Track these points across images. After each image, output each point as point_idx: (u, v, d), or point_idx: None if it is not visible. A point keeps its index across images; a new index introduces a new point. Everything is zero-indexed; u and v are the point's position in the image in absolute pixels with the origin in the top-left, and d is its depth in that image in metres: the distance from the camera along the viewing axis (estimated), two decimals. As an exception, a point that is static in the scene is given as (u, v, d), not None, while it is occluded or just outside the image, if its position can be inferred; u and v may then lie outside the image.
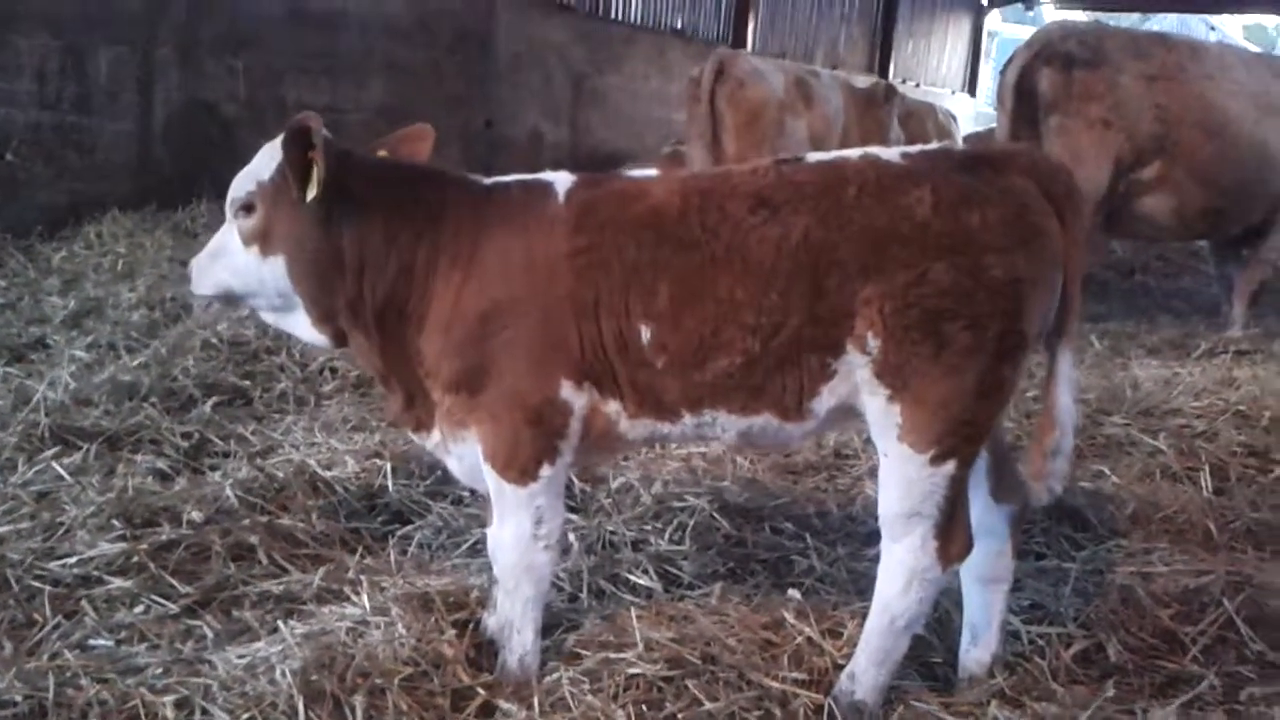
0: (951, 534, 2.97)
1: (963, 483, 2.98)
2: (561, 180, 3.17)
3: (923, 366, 2.83)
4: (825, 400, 2.98)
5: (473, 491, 3.97)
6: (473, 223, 3.13)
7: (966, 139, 17.30)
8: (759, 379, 2.96)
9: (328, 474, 4.33)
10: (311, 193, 3.05)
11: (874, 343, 2.84)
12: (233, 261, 3.25)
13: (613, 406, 3.10)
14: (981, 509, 3.20)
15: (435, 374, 3.15)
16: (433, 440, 3.30)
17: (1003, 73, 8.01)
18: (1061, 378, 3.02)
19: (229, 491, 4.07)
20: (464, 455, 3.23)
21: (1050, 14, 32.77)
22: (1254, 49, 15.21)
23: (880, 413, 2.91)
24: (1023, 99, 7.66)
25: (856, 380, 2.91)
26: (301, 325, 3.30)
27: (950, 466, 2.90)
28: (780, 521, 4.27)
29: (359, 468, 4.46)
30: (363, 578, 3.61)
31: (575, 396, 3.06)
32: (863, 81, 13.35)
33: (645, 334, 2.97)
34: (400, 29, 12.23)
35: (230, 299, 3.39)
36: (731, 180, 3.05)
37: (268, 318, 3.41)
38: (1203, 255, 10.46)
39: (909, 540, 2.96)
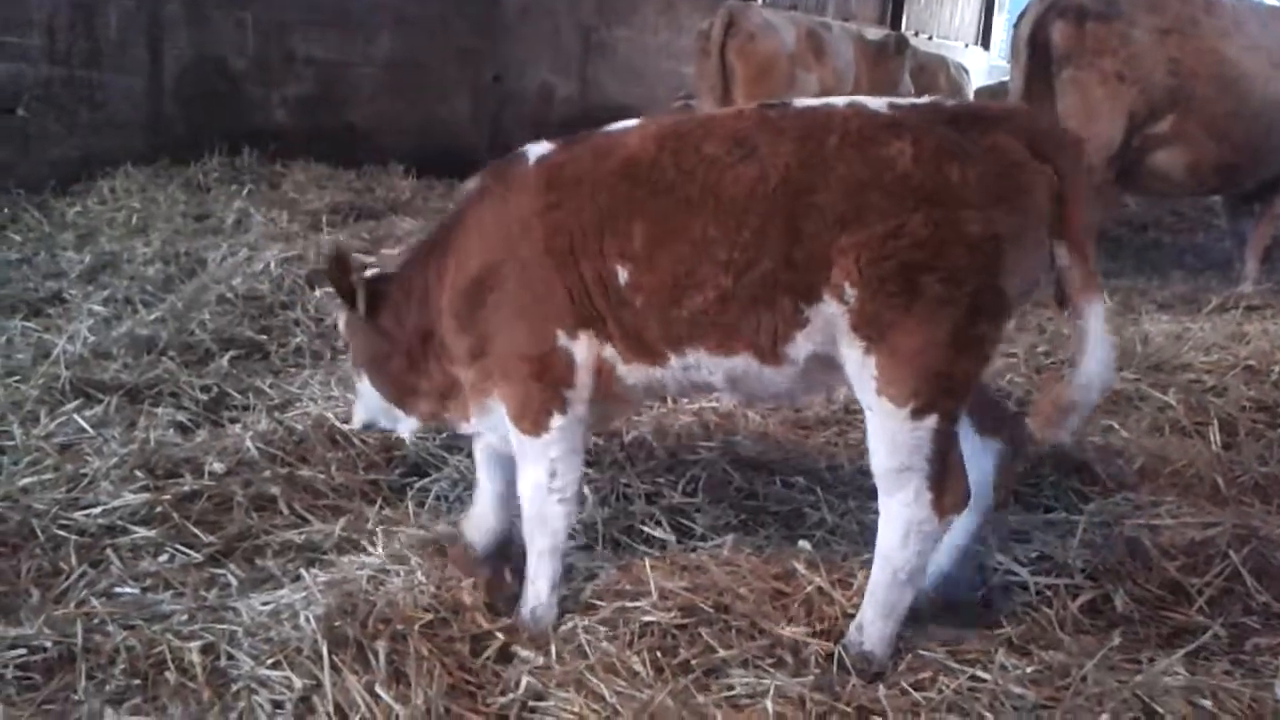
0: (945, 485, 3.01)
1: (948, 436, 3.00)
2: (536, 148, 3.28)
3: (898, 318, 2.85)
4: (801, 346, 3.01)
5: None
6: (458, 219, 3.37)
7: (978, 92, 17.18)
8: (733, 316, 3.00)
9: (345, 427, 4.37)
10: (362, 304, 3.43)
11: (851, 292, 2.86)
12: (359, 392, 3.74)
13: (609, 351, 3.18)
14: (967, 446, 3.23)
15: (457, 356, 3.33)
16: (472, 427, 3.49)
17: (1016, 25, 7.96)
18: (1090, 335, 2.99)
19: (249, 444, 4.12)
20: (497, 426, 3.31)
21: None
22: (1271, 2, 15.02)
23: (858, 365, 2.94)
24: (1036, 52, 7.60)
25: (834, 331, 2.94)
26: (405, 423, 3.65)
27: (932, 420, 2.93)
28: (791, 475, 4.32)
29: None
30: (379, 529, 3.67)
31: (574, 344, 3.16)
32: (874, 34, 13.25)
33: (622, 274, 3.04)
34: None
35: (374, 426, 3.80)
36: (712, 124, 3.10)
37: (402, 433, 3.78)
38: (1216, 210, 10.42)
39: (903, 494, 3.01)
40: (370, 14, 11.56)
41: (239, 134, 10.05)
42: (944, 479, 3.01)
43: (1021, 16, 7.85)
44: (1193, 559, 3.67)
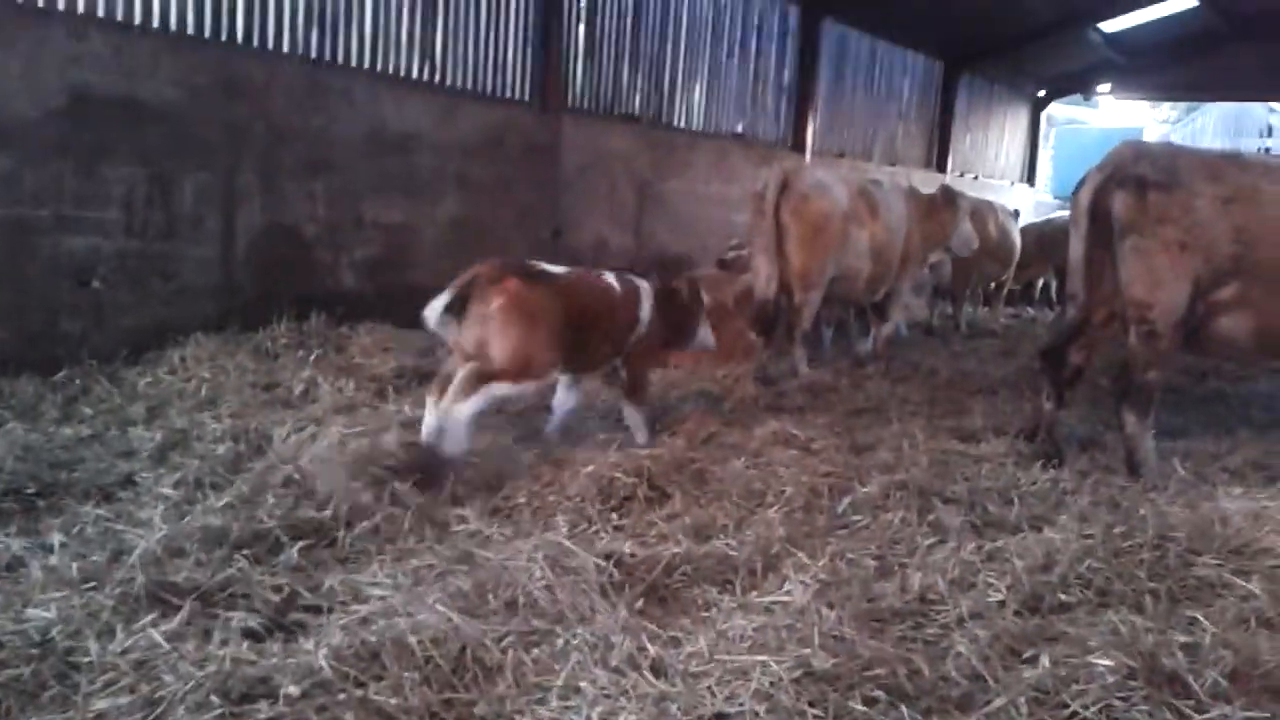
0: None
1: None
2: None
3: None
4: None
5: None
6: None
7: (1024, 231, 17.38)
8: None
9: (412, 639, 4.27)
10: None
11: None
12: None
13: None
14: None
15: None
16: None
17: (1075, 194, 7.99)
18: None
19: (323, 661, 4.05)
20: None
21: (1106, 102, 32.78)
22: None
23: None
24: (1096, 221, 7.63)
25: None
26: None
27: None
28: (870, 689, 4.17)
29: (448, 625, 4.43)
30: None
31: None
32: (924, 186, 13.43)
33: None
34: (472, 147, 12.59)
35: None
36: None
37: None
38: (1277, 359, 10.29)
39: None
40: (435, 178, 11.96)
41: (308, 298, 10.30)
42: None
43: (1080, 186, 7.89)
44: (1297, 789, 3.51)
